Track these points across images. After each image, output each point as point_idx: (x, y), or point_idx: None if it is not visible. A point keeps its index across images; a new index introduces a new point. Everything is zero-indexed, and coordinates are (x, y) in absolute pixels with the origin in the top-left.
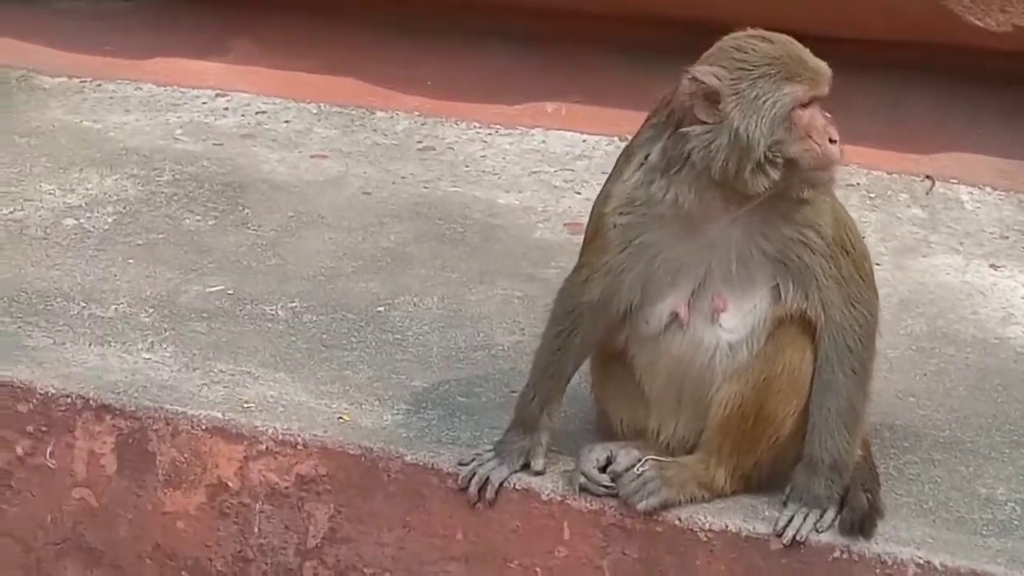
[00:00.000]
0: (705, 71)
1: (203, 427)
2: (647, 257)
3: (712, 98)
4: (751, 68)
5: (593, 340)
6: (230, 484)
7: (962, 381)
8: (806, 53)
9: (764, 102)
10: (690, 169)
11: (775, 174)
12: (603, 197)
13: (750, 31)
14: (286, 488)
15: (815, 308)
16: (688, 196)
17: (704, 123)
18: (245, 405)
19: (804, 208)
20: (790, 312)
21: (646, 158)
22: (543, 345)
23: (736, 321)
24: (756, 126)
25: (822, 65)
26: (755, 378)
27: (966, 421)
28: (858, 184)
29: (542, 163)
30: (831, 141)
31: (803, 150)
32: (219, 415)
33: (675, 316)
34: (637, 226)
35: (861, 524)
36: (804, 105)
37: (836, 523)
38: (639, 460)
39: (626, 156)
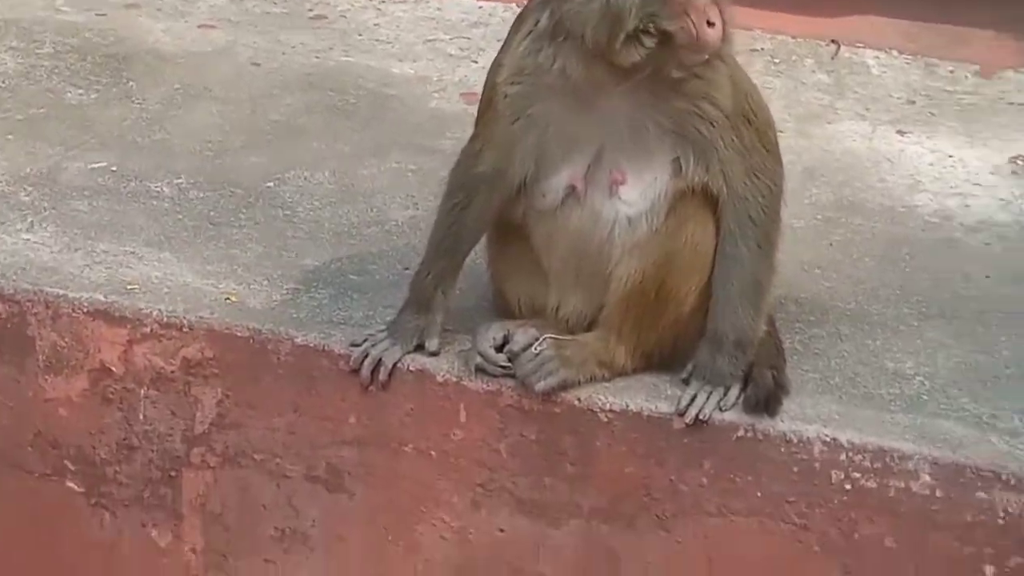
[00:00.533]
0: None
1: (84, 310)
2: (540, 128)
3: None
4: None
5: (489, 214)
6: (113, 369)
7: (869, 251)
8: None
9: None
10: (573, 37)
11: (647, 48)
12: (495, 66)
13: None
14: (172, 372)
15: (716, 180)
16: (574, 66)
17: None
18: (128, 287)
19: (696, 80)
20: (691, 185)
21: (536, 24)
22: (437, 220)
23: (635, 194)
24: None
25: None
26: (656, 253)
27: (873, 293)
28: (762, 49)
29: (437, 31)
30: (709, 24)
31: (677, 28)
32: (101, 297)
33: (572, 189)
34: (528, 96)
35: (766, 402)
36: None
37: (740, 401)
38: (537, 339)
39: (518, 22)
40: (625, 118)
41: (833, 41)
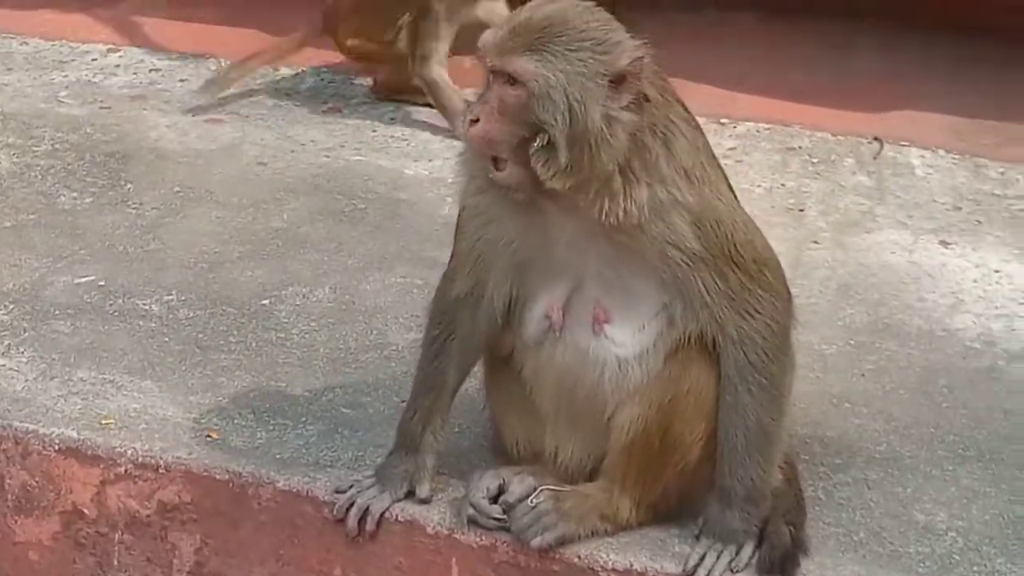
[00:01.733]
0: None
1: (56, 447)
2: (507, 247)
3: None
4: None
5: (474, 344)
6: (86, 511)
7: (904, 382)
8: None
9: None
10: None
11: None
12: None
13: None
14: (148, 516)
15: (709, 326)
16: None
17: None
18: (103, 422)
19: (655, 221)
20: (687, 332)
21: None
22: (421, 353)
23: (625, 335)
24: None
25: (490, 34)
26: (659, 399)
27: (906, 432)
28: (799, 148)
29: None
30: (472, 122)
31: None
32: (74, 434)
33: (549, 320)
34: (490, 210)
35: (781, 562)
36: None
37: (754, 560)
38: (534, 489)
39: None
40: (589, 250)
41: (876, 138)
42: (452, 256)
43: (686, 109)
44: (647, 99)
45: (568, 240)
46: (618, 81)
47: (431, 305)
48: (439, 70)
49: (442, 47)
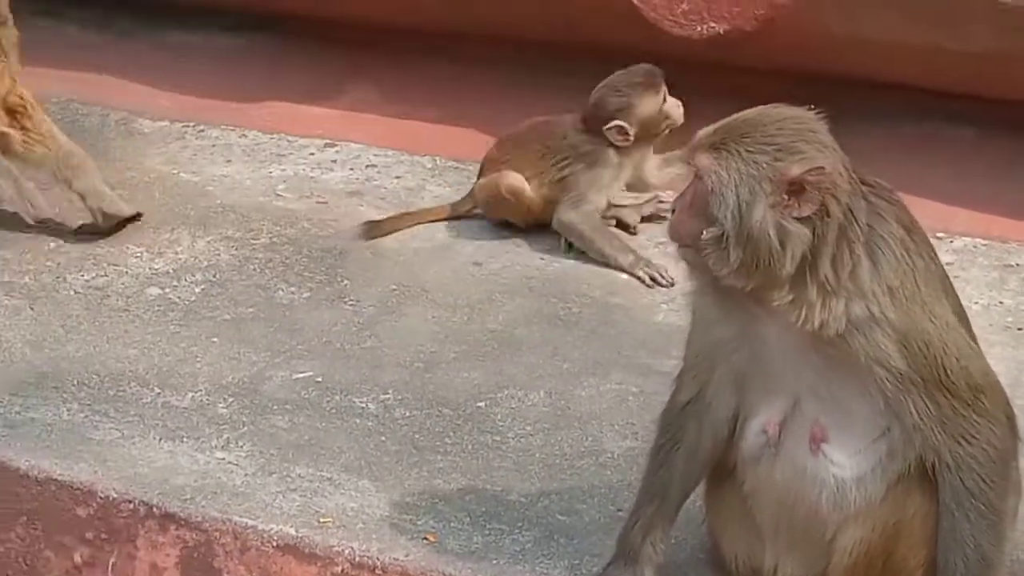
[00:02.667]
0: None
1: (274, 544)
2: (727, 352)
3: None
4: None
5: (701, 456)
6: None
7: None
8: None
9: None
10: None
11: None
12: None
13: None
14: None
15: (924, 451)
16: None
17: None
18: (322, 520)
19: (858, 337)
20: (907, 457)
21: None
22: (647, 462)
23: (843, 456)
24: None
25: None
26: (883, 523)
27: None
28: (1018, 265)
29: None
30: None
31: None
32: (292, 531)
33: (766, 434)
34: (713, 311)
35: None
36: None
37: None
38: None
39: None
40: (803, 362)
41: None
42: (681, 363)
43: (913, 232)
44: (828, 214)
45: (782, 350)
46: (796, 191)
47: (661, 415)
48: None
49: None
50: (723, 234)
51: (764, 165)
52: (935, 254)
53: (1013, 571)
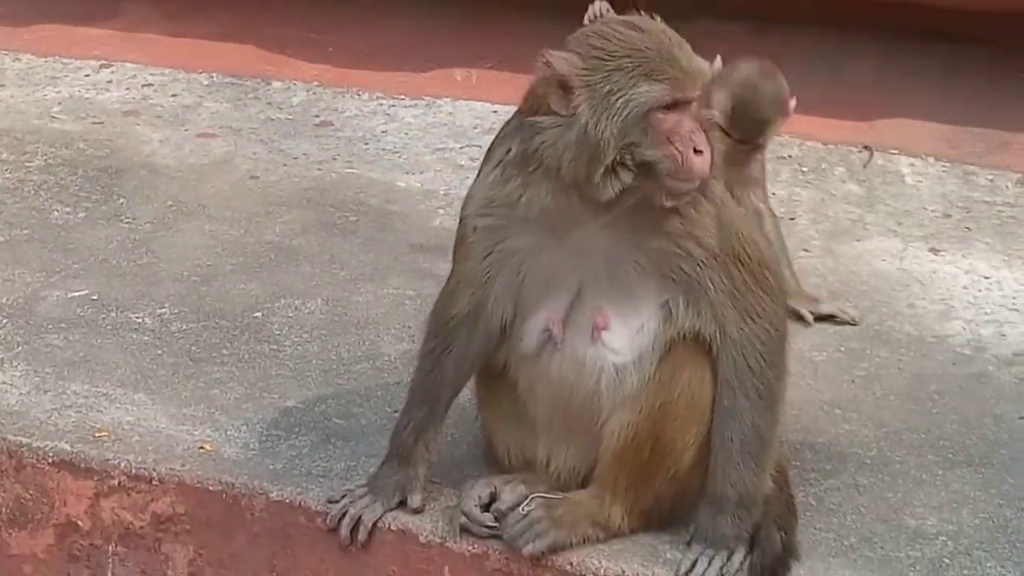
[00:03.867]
0: (559, 56)
1: (49, 460)
2: (513, 265)
3: (565, 87)
4: (608, 59)
5: (471, 359)
6: (80, 524)
7: (894, 388)
8: (680, 48)
9: (617, 99)
10: (545, 167)
11: (627, 180)
12: (467, 196)
13: (628, 16)
14: (141, 528)
15: (708, 325)
16: (546, 198)
17: (556, 115)
18: (97, 434)
19: (678, 218)
20: (683, 330)
21: (507, 152)
22: (416, 366)
23: (623, 341)
24: (606, 125)
25: (696, 64)
26: (649, 404)
27: (896, 437)
28: (790, 156)
29: (447, 138)
30: (696, 151)
31: (661, 156)
32: (67, 447)
33: (548, 333)
34: (499, 229)
35: (772, 568)
36: (668, 107)
37: (745, 566)
38: (525, 497)
39: (489, 151)
40: (603, 256)
41: (866, 147)
42: (453, 274)
43: None
44: None
45: (582, 246)
46: None
47: (429, 319)
48: None
49: None
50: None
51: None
52: None
53: (781, 451)
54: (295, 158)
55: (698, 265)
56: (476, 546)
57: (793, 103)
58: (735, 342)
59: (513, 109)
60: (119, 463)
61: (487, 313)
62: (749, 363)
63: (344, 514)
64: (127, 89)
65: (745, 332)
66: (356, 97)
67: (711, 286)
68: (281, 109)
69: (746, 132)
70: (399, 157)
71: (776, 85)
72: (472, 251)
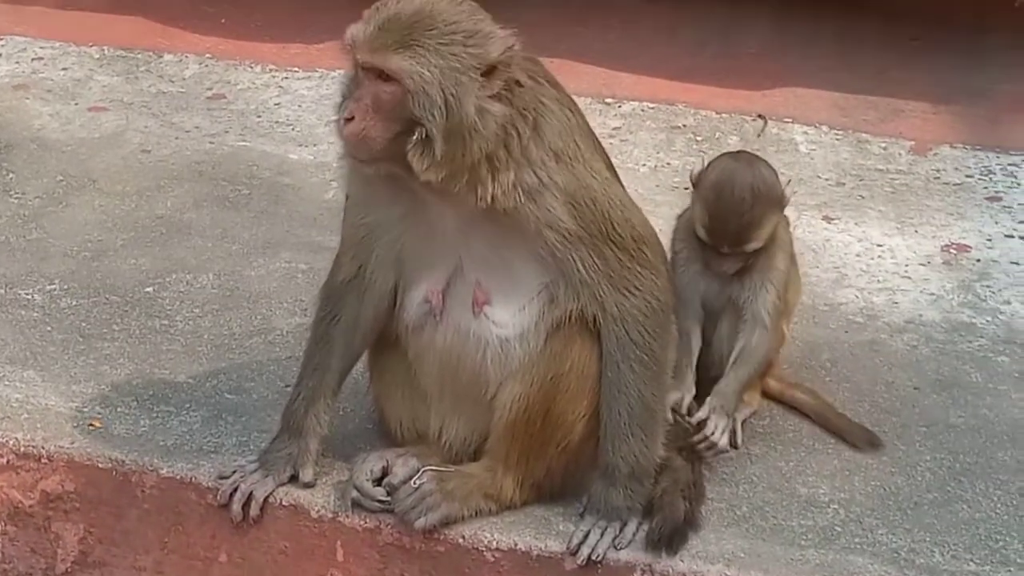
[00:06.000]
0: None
1: None
2: (392, 232)
3: None
4: None
5: (361, 329)
6: None
7: (787, 356)
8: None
9: None
10: None
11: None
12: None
13: None
14: (31, 507)
15: (589, 304)
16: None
17: None
18: None
19: (527, 203)
20: (569, 311)
21: None
22: (308, 337)
23: (506, 315)
24: None
25: (359, 29)
26: (540, 377)
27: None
28: (684, 126)
29: None
30: (347, 120)
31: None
32: None
33: (428, 304)
34: (373, 197)
35: (669, 538)
36: (355, 76)
37: (639, 536)
38: (417, 471)
39: None
40: (478, 232)
41: (760, 116)
42: (341, 243)
43: (559, 89)
44: (519, 85)
45: (448, 226)
46: (489, 72)
47: (320, 290)
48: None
49: None
50: (427, 133)
51: (463, 55)
52: (580, 109)
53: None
54: (187, 131)
55: (559, 247)
56: (368, 520)
57: (789, 193)
58: (615, 317)
59: None
60: (7, 441)
61: (370, 280)
62: (631, 336)
63: (235, 490)
64: (16, 63)
65: (625, 307)
66: (249, 69)
67: (581, 267)
68: (173, 82)
69: (727, 241)
70: (292, 130)
71: (753, 177)
72: (348, 215)
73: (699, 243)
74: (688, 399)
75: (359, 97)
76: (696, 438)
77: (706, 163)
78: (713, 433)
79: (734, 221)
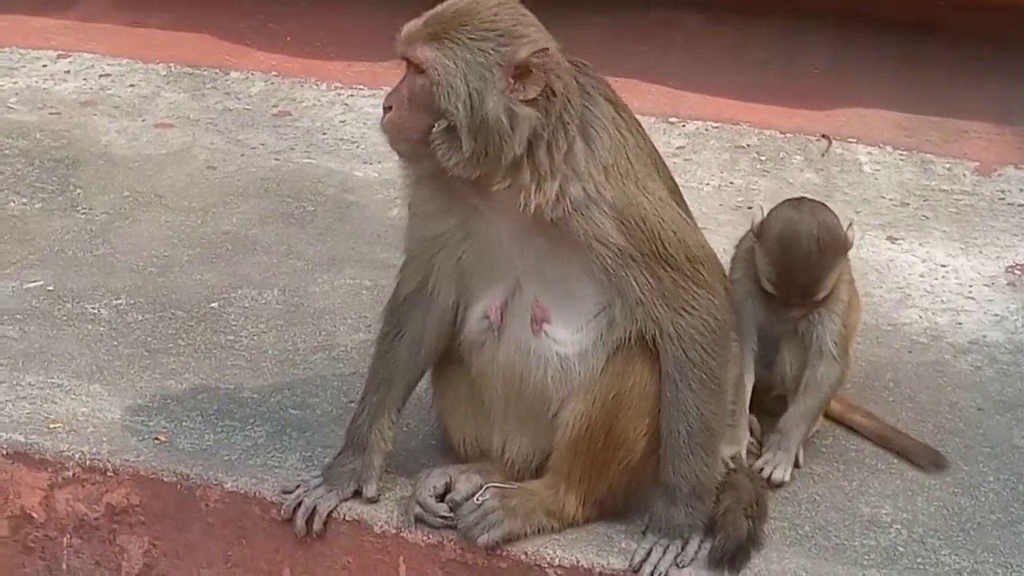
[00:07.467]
0: None
1: (4, 452)
2: (447, 243)
3: None
4: None
5: (425, 344)
6: (35, 515)
7: (849, 377)
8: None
9: None
10: None
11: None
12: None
13: None
14: (96, 519)
15: (648, 325)
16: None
17: None
18: (51, 426)
19: (578, 219)
20: (629, 332)
21: None
22: (373, 352)
23: (566, 335)
24: None
25: (408, 24)
26: (602, 395)
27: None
28: (748, 146)
29: None
30: (386, 109)
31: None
32: (21, 438)
33: (487, 319)
34: (431, 204)
35: (732, 556)
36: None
37: (702, 554)
38: (480, 487)
39: None
40: (533, 248)
41: (824, 136)
42: (403, 256)
43: (620, 108)
44: (554, 94)
45: (503, 236)
46: (522, 74)
47: (385, 305)
48: None
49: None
50: (454, 125)
51: (490, 52)
52: (643, 130)
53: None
54: (252, 148)
55: (620, 266)
56: (431, 536)
57: (851, 236)
58: (672, 337)
59: None
60: (74, 454)
61: (433, 294)
62: (689, 355)
63: (299, 504)
64: (84, 79)
65: (682, 326)
66: (314, 87)
67: (635, 285)
68: (239, 99)
69: (795, 294)
70: (357, 147)
71: (819, 229)
72: (410, 228)
73: (764, 293)
74: (744, 452)
75: (398, 88)
76: (756, 469)
77: (766, 211)
78: (774, 469)
79: (802, 276)
